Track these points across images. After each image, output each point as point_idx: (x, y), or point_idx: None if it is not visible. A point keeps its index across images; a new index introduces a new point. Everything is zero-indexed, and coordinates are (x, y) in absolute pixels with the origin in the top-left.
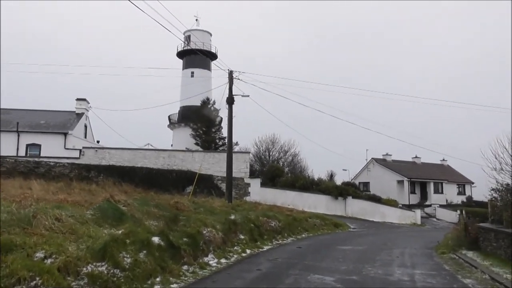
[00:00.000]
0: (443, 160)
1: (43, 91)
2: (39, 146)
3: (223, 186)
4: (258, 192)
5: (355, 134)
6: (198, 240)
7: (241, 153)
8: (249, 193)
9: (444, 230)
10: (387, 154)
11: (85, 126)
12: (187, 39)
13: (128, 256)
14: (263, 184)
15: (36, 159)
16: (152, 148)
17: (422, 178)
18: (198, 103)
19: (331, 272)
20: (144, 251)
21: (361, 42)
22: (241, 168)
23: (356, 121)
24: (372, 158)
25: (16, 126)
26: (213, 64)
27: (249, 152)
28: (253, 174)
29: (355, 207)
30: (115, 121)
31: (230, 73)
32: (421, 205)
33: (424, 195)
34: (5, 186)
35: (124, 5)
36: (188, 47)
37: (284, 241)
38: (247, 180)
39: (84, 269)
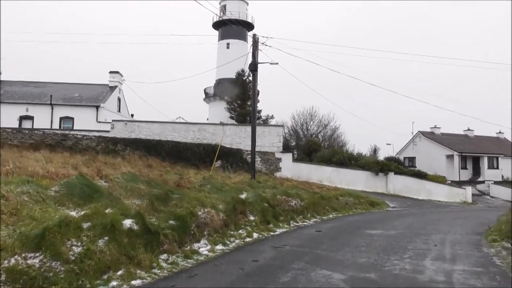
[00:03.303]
0: (499, 132)
1: (75, 64)
2: (72, 119)
3: None
4: (290, 168)
5: (399, 105)
6: (189, 223)
7: (274, 126)
8: (280, 168)
9: (499, 210)
10: (435, 127)
11: (119, 99)
12: (223, 9)
13: (79, 244)
14: (296, 159)
15: (66, 132)
16: (182, 121)
17: (474, 152)
18: (233, 75)
19: (344, 267)
20: (106, 238)
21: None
22: (273, 142)
23: (398, 90)
24: (419, 131)
25: (50, 99)
26: (249, 35)
27: (283, 126)
28: (288, 149)
29: (398, 184)
30: (150, 95)
31: (254, 37)
32: (473, 181)
33: (476, 171)
34: (25, 158)
35: None
36: (223, 18)
37: (305, 223)
38: (278, 155)
39: (6, 262)
